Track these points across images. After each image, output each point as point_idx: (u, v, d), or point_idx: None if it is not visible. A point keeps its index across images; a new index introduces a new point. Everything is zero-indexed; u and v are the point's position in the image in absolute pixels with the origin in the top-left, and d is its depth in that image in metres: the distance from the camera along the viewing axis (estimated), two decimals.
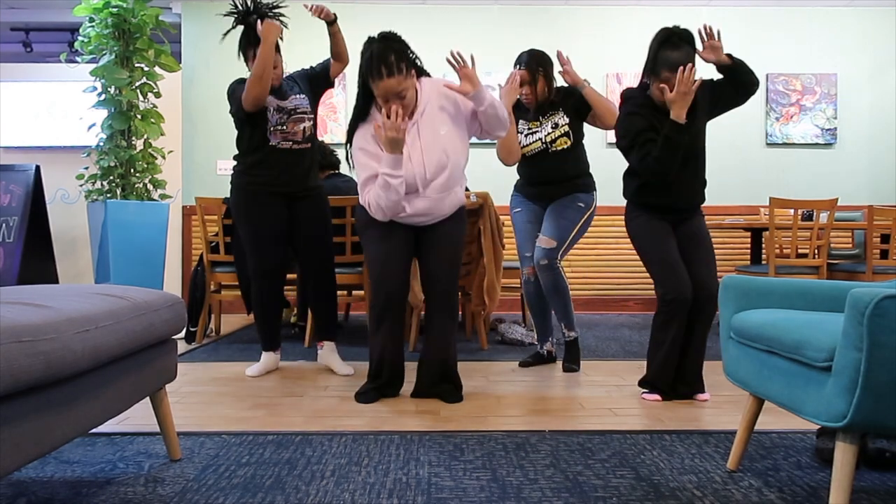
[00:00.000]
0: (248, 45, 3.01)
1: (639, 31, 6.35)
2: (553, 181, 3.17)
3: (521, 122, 3.17)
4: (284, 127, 3.01)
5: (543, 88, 3.12)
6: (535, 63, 3.10)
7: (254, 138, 3.03)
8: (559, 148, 3.13)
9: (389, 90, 2.38)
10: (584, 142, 3.23)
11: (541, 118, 3.15)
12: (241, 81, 3.01)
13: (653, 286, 2.67)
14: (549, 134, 3.13)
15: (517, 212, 3.31)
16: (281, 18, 3.03)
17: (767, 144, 5.83)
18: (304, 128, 3.07)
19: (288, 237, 3.13)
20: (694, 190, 2.68)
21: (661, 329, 2.61)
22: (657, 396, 2.64)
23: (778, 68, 5.82)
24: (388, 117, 2.38)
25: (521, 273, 3.32)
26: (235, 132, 3.14)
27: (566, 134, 3.13)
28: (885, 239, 4.46)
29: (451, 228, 2.65)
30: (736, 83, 2.57)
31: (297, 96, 3.09)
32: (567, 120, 3.13)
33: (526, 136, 3.16)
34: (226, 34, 3.04)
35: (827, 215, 4.01)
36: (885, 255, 4.41)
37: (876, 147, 5.89)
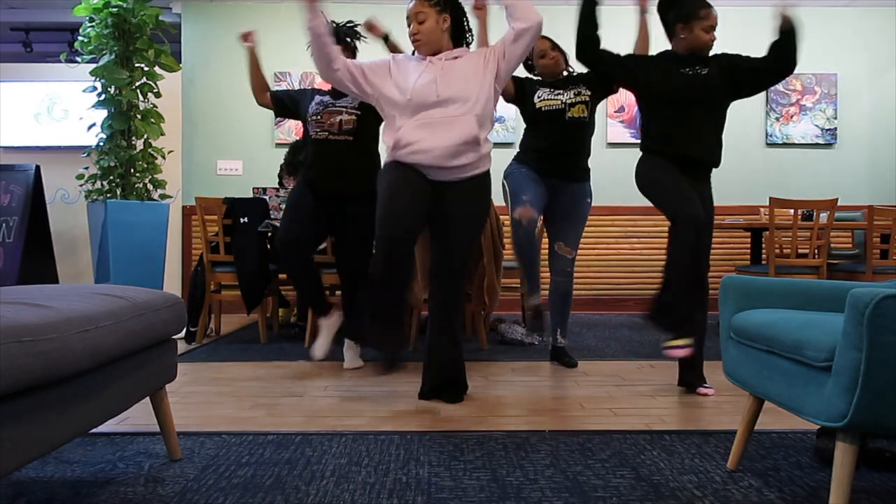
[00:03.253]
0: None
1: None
2: (569, 153, 3.18)
3: (545, 88, 3.18)
4: (319, 117, 3.14)
5: (561, 59, 3.23)
6: (548, 38, 3.20)
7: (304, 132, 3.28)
8: (575, 115, 3.13)
9: (411, 10, 2.58)
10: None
11: (565, 87, 3.19)
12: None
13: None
14: (571, 98, 3.15)
15: (512, 173, 3.22)
16: (352, 40, 3.27)
17: (767, 144, 5.83)
18: (341, 120, 3.13)
19: (329, 229, 3.25)
20: (711, 141, 2.67)
21: (677, 249, 2.49)
22: (684, 348, 2.49)
23: None
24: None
25: (511, 216, 3.14)
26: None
27: (585, 104, 3.16)
28: (885, 239, 4.46)
29: (473, 197, 2.58)
30: (780, 53, 2.61)
31: (347, 97, 3.17)
32: (589, 93, 3.18)
33: (548, 94, 3.16)
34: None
35: (827, 215, 4.01)
36: (885, 255, 4.40)
37: (876, 147, 5.89)
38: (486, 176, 2.62)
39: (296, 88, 3.36)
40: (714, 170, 2.77)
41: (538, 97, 3.16)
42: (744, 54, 2.72)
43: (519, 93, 3.20)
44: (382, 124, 2.73)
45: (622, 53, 2.82)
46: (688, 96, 2.62)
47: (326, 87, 3.28)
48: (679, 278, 2.51)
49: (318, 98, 3.20)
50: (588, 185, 3.27)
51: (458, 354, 2.64)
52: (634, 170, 2.75)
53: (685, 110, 2.63)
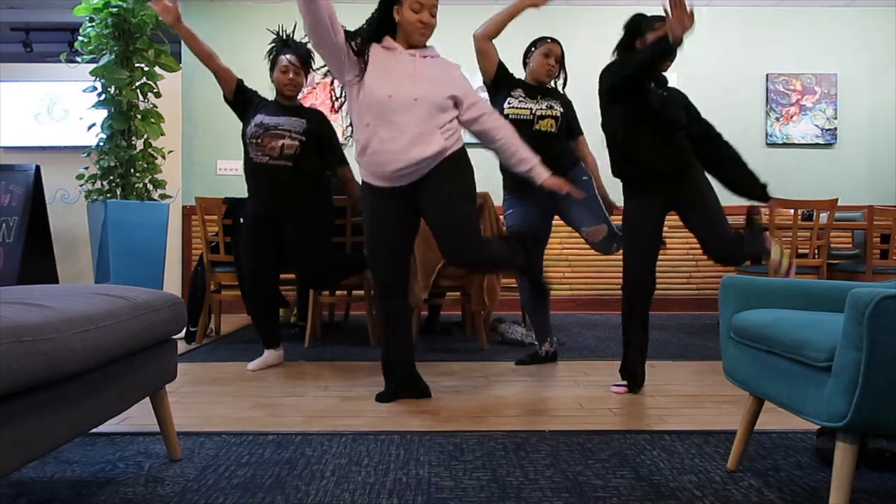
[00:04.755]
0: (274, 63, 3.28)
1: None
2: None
3: (519, 91, 3.14)
4: (259, 140, 3.11)
5: (559, 70, 3.20)
6: (562, 47, 3.20)
7: (244, 155, 3.24)
8: (543, 128, 3.10)
9: (428, 3, 2.48)
10: (579, 140, 3.29)
11: (539, 96, 3.15)
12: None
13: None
14: (541, 109, 3.12)
15: (510, 213, 3.25)
16: (309, 59, 3.26)
17: (767, 144, 5.83)
18: (283, 144, 3.11)
19: (279, 250, 3.26)
20: (674, 149, 2.70)
21: (626, 317, 2.81)
22: (623, 388, 2.78)
23: (778, 68, 5.82)
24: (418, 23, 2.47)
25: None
26: (240, 134, 3.30)
27: (555, 119, 3.13)
28: (885, 239, 4.46)
29: (451, 174, 2.51)
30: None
31: (293, 118, 3.16)
32: (561, 111, 3.15)
33: (519, 101, 3.12)
34: (272, 54, 3.32)
35: (827, 215, 4.01)
36: (885, 255, 4.40)
37: (876, 147, 5.89)
38: (460, 153, 2.56)
39: (253, 92, 3.31)
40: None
41: (508, 102, 3.12)
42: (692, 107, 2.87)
43: (496, 81, 3.17)
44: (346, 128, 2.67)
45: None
46: (653, 113, 2.68)
47: (270, 96, 3.26)
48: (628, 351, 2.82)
49: (258, 118, 3.13)
50: (577, 168, 3.20)
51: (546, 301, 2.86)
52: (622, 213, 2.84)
53: (663, 132, 2.70)
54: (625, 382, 2.80)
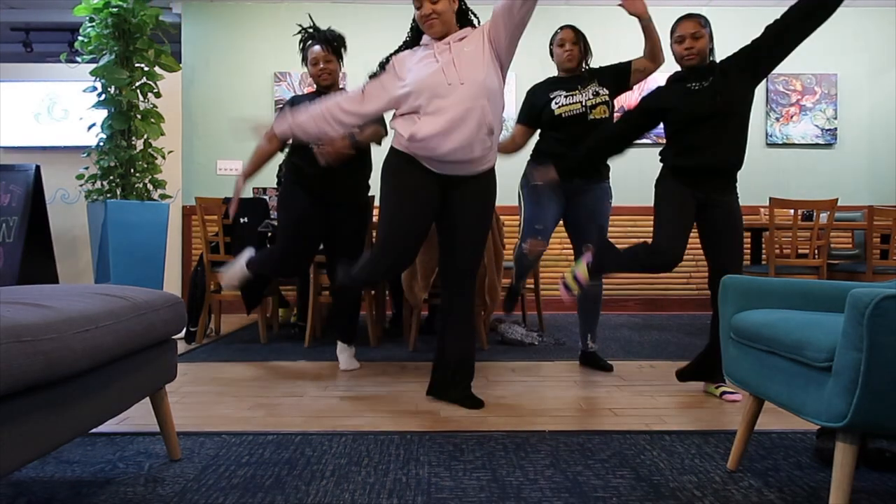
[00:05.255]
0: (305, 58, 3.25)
1: (639, 31, 6.36)
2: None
3: (559, 90, 3.11)
4: None
5: (581, 53, 3.14)
6: (575, 29, 3.16)
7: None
8: (597, 116, 3.07)
9: None
10: (634, 62, 3.21)
11: (579, 86, 3.11)
12: (297, 99, 3.26)
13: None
14: (590, 99, 3.08)
15: (528, 205, 3.17)
16: (340, 44, 3.23)
17: (767, 144, 5.83)
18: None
19: (323, 235, 3.28)
20: (728, 151, 2.63)
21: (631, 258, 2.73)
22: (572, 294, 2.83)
23: (778, 68, 5.73)
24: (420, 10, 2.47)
25: (520, 243, 3.16)
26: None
27: (605, 103, 3.11)
28: (885, 239, 4.46)
29: (481, 197, 2.54)
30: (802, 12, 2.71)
31: None
32: (607, 92, 3.13)
33: (565, 97, 3.08)
34: (301, 48, 3.26)
35: (827, 215, 4.00)
36: (885, 255, 4.40)
37: (876, 147, 5.89)
38: (492, 173, 2.59)
39: (288, 102, 3.29)
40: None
41: (555, 103, 3.07)
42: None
43: (533, 119, 3.15)
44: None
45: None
46: (702, 111, 2.59)
47: (311, 89, 3.27)
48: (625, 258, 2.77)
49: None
50: (608, 183, 3.20)
51: (470, 355, 2.63)
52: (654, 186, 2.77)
53: (701, 126, 2.60)
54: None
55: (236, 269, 3.26)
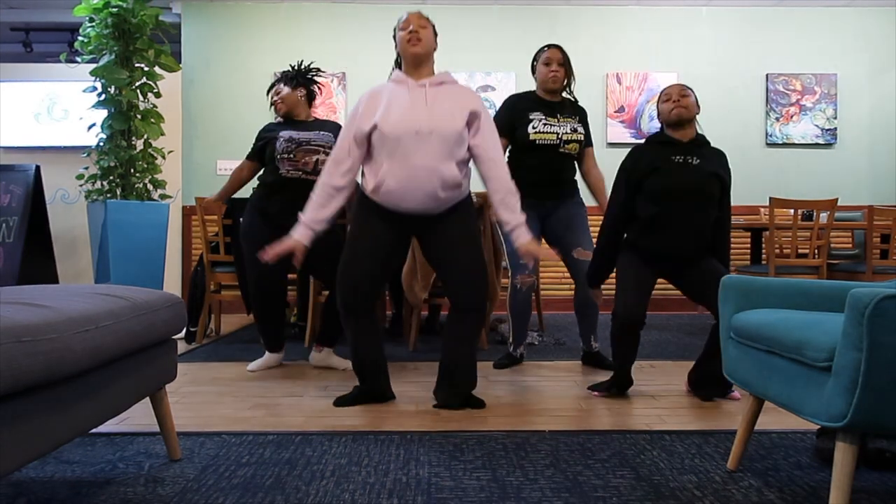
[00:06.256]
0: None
1: (639, 31, 6.37)
2: (560, 181, 3.17)
3: (538, 113, 3.11)
4: (292, 155, 3.15)
5: (566, 77, 3.15)
6: (562, 50, 3.15)
7: (269, 165, 3.25)
8: (567, 151, 3.13)
9: (412, 16, 2.50)
10: (587, 151, 3.29)
11: (559, 116, 3.13)
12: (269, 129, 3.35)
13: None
14: (567, 134, 3.11)
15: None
16: (316, 81, 3.41)
17: (767, 144, 5.83)
18: (318, 160, 3.14)
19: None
20: (692, 237, 2.57)
21: (613, 342, 2.66)
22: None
23: (778, 68, 5.82)
24: (407, 39, 2.46)
25: (513, 283, 3.16)
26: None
27: (578, 142, 3.15)
28: (885, 239, 4.46)
29: (461, 220, 2.49)
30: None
31: (320, 133, 3.23)
32: (583, 133, 3.17)
33: (543, 124, 3.09)
34: (268, 91, 3.43)
35: (827, 215, 4.01)
36: (885, 255, 4.41)
37: (876, 147, 5.89)
38: (468, 198, 2.57)
39: (257, 135, 3.37)
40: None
41: (532, 127, 3.08)
42: (728, 184, 2.67)
43: (510, 130, 3.12)
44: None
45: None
46: (680, 189, 2.54)
47: (282, 111, 3.32)
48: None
49: (285, 133, 3.18)
50: (578, 193, 3.24)
51: (473, 371, 2.56)
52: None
53: (674, 205, 2.55)
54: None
55: (265, 358, 3.30)
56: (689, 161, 2.57)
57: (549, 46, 3.17)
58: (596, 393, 2.72)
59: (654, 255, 2.61)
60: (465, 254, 2.49)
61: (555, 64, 3.11)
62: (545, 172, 3.12)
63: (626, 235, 2.69)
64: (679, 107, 2.57)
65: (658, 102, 2.68)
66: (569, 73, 3.16)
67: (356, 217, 2.56)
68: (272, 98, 3.34)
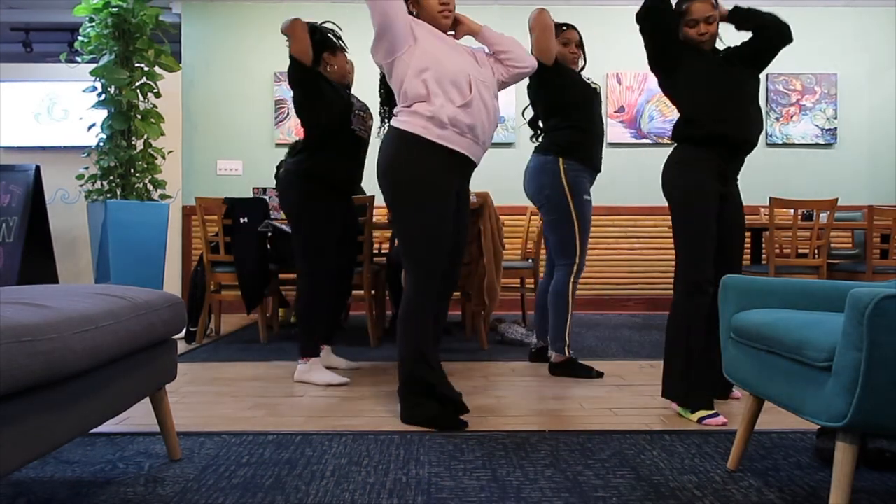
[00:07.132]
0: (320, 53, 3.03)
1: (639, 32, 6.35)
2: (601, 137, 3.24)
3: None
4: (363, 114, 3.12)
5: (579, 60, 3.20)
6: (579, 33, 3.19)
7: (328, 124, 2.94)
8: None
9: None
10: None
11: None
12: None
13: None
14: (594, 85, 3.22)
15: (588, 199, 3.06)
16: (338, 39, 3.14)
17: (767, 144, 5.83)
18: (370, 125, 3.14)
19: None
20: (752, 118, 2.43)
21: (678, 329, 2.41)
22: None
23: (778, 68, 5.80)
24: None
25: (575, 279, 3.03)
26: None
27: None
28: (885, 239, 4.46)
29: (466, 195, 2.48)
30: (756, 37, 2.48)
31: (359, 101, 3.18)
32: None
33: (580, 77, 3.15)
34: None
35: (827, 215, 4.00)
36: (885, 255, 4.40)
37: (876, 147, 5.89)
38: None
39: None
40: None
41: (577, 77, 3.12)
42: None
43: (553, 70, 2.97)
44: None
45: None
46: (721, 72, 2.44)
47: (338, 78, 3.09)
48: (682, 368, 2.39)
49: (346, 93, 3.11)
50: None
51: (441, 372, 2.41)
52: (661, 172, 2.50)
53: (719, 96, 2.42)
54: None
55: (324, 374, 2.94)
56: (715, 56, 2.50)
57: (567, 26, 3.15)
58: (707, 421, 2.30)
59: (715, 142, 2.39)
60: (465, 228, 2.54)
61: (573, 45, 3.14)
62: (598, 125, 3.19)
63: (689, 133, 2.45)
64: (704, 40, 2.45)
65: (682, 24, 2.47)
66: (583, 53, 3.21)
67: (422, 174, 2.25)
68: (328, 63, 3.02)
